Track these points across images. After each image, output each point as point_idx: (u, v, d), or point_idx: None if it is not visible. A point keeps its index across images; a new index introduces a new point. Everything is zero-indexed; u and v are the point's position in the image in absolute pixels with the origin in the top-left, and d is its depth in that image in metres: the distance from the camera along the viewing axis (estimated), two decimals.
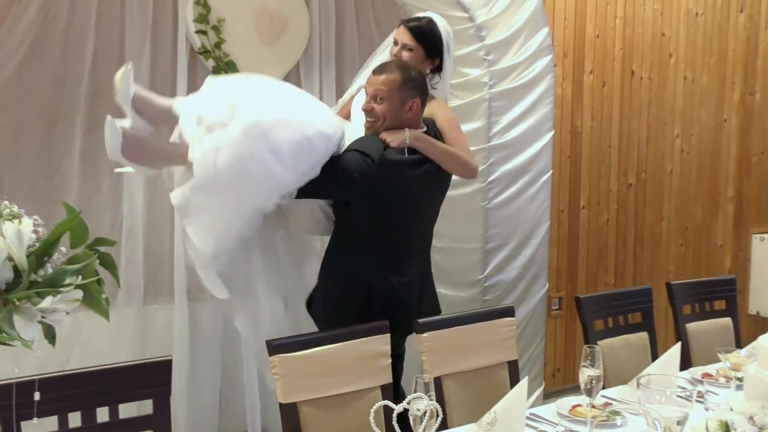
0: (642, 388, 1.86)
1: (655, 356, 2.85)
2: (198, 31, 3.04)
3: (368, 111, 2.56)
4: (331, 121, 2.46)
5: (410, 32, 2.68)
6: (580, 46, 4.28)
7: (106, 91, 2.94)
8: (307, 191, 2.42)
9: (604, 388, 2.13)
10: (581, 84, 4.32)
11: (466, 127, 3.56)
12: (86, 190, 2.96)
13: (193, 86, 3.11)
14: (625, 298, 2.94)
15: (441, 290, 3.71)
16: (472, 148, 3.51)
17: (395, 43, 2.71)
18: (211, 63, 3.08)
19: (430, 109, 2.65)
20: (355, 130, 2.61)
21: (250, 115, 2.28)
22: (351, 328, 2.32)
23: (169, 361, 2.01)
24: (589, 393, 1.99)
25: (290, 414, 2.13)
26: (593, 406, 2.08)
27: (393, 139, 2.51)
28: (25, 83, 2.82)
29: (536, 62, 3.56)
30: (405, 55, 2.66)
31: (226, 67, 3.08)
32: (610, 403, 2.26)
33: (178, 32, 3.03)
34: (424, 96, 2.59)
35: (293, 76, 3.33)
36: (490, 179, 3.55)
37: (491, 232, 3.59)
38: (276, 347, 2.14)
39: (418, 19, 2.75)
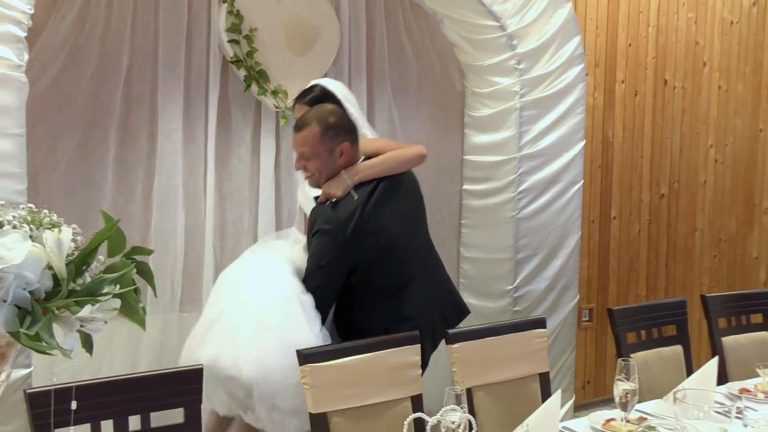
0: (678, 402, 1.82)
1: (690, 370, 2.80)
2: (230, 41, 3.06)
3: (303, 169, 2.54)
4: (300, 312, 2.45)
5: (307, 106, 2.65)
6: (612, 55, 4.24)
7: (140, 101, 2.99)
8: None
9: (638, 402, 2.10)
10: (613, 93, 4.28)
11: (496, 137, 3.57)
12: (119, 199, 2.99)
13: (225, 96, 3.14)
14: (658, 310, 2.89)
15: (470, 300, 3.70)
16: (501, 158, 3.53)
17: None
18: (242, 72, 3.10)
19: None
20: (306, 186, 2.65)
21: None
22: (381, 338, 2.31)
23: (200, 370, 2.02)
24: (624, 407, 1.96)
25: (320, 424, 2.13)
26: (628, 421, 2.05)
27: (336, 188, 2.49)
28: (62, 93, 2.86)
29: (568, 71, 3.54)
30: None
31: (258, 76, 3.10)
32: (645, 418, 2.22)
33: (210, 42, 3.06)
34: (353, 134, 2.55)
35: None
36: (520, 189, 3.52)
37: (521, 242, 3.56)
38: (307, 357, 2.14)
39: (311, 89, 2.75)
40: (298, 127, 2.52)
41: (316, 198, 2.57)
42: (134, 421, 1.93)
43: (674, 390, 2.31)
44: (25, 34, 2.39)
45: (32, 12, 2.40)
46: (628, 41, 4.29)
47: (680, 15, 4.43)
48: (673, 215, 4.60)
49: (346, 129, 2.54)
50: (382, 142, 2.78)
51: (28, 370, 2.42)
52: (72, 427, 1.30)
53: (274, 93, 3.15)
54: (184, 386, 1.99)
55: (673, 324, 2.89)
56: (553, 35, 3.47)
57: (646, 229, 4.51)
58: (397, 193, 2.60)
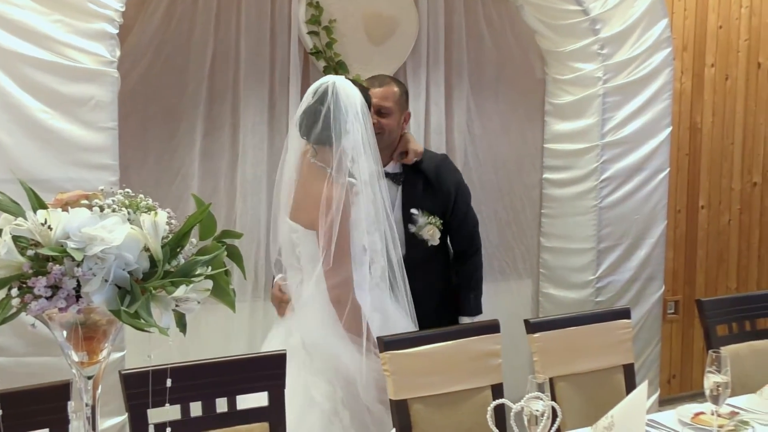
0: None
1: None
2: (310, 32, 3.10)
3: (373, 125, 2.48)
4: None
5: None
6: (701, 38, 4.08)
7: (224, 94, 3.07)
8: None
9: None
10: (702, 78, 4.12)
11: (577, 124, 3.50)
12: (205, 190, 3.08)
13: (306, 88, 3.17)
14: (751, 302, 2.78)
15: (550, 290, 3.66)
16: (583, 146, 3.46)
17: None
18: (322, 63, 3.14)
19: None
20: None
21: None
22: (462, 326, 2.32)
23: (283, 355, 2.06)
24: (715, 400, 1.89)
25: (401, 411, 2.14)
26: (719, 415, 1.98)
27: (419, 146, 2.73)
28: (151, 87, 2.96)
29: (654, 55, 3.43)
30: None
31: (337, 66, 3.13)
32: (737, 413, 2.14)
33: (291, 34, 3.10)
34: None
35: (401, 75, 3.34)
36: (603, 177, 3.44)
37: (604, 231, 3.48)
38: (387, 344, 2.16)
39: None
40: (380, 82, 2.62)
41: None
42: (221, 404, 1.99)
43: None
44: (117, 31, 2.49)
45: (123, 9, 2.50)
46: (719, 23, 4.12)
47: None
48: (766, 205, 4.41)
49: (408, 101, 2.67)
50: None
51: (122, 353, 2.53)
52: (167, 404, 1.35)
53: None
54: (268, 370, 2.04)
55: (767, 317, 2.77)
56: (638, 18, 3.37)
57: (737, 219, 4.34)
58: None
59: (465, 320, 2.76)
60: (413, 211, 2.67)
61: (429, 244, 2.69)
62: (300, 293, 2.41)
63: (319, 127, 2.30)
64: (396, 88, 2.65)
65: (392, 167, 2.71)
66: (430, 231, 2.67)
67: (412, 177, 2.71)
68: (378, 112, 2.59)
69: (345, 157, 2.29)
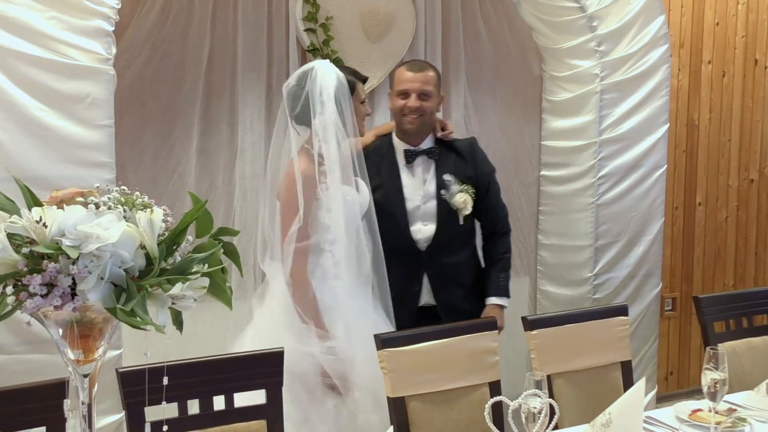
0: None
1: None
2: (307, 29, 3.10)
3: (416, 109, 2.64)
4: None
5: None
6: (698, 35, 4.08)
7: (221, 91, 3.07)
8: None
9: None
10: (699, 74, 4.12)
11: (575, 121, 3.49)
12: (202, 188, 3.07)
13: None
14: (749, 299, 2.78)
15: (549, 288, 3.66)
16: (581, 143, 3.46)
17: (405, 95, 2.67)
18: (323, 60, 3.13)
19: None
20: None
21: None
22: (460, 323, 2.32)
23: (281, 353, 2.06)
24: (713, 397, 1.90)
25: (398, 408, 2.14)
26: (716, 412, 1.98)
27: (452, 127, 2.84)
28: (147, 85, 2.95)
29: (651, 52, 3.43)
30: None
31: (334, 64, 3.12)
32: (735, 409, 2.14)
33: (289, 31, 3.10)
34: None
35: None
36: (600, 174, 3.44)
37: (601, 228, 3.48)
38: (385, 342, 2.15)
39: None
40: (418, 67, 2.70)
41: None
42: (218, 401, 1.98)
43: (766, 381, 2.23)
44: (113, 28, 2.48)
45: (119, 6, 2.49)
46: (716, 20, 4.11)
47: None
48: (763, 201, 4.41)
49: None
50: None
51: (119, 351, 2.53)
52: (164, 403, 1.34)
53: None
54: (266, 368, 2.04)
55: (764, 313, 2.78)
56: (635, 15, 3.37)
57: (734, 215, 4.34)
58: None
59: (492, 301, 2.74)
60: (446, 177, 2.70)
61: (461, 216, 2.69)
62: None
63: (299, 108, 2.40)
64: (433, 73, 2.71)
65: (426, 143, 2.75)
66: (463, 198, 2.68)
67: (446, 152, 2.76)
68: (420, 95, 2.66)
69: (315, 137, 2.38)
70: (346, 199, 2.41)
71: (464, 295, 2.74)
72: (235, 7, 3.03)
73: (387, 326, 2.44)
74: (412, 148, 2.73)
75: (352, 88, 2.46)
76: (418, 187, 2.72)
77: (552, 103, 3.59)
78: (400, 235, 2.67)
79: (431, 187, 2.71)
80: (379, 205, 2.59)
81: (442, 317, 2.64)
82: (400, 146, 2.75)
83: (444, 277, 2.70)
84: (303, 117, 2.41)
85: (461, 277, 2.75)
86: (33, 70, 2.34)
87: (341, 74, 2.44)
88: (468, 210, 2.69)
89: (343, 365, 2.32)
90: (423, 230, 2.70)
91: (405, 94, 2.67)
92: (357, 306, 2.42)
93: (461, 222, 2.70)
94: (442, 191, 2.69)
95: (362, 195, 2.50)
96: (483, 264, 2.85)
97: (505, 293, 2.77)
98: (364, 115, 2.55)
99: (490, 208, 2.79)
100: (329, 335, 2.34)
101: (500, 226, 2.85)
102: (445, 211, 2.69)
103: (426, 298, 2.71)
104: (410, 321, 2.59)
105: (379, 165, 2.71)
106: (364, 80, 2.61)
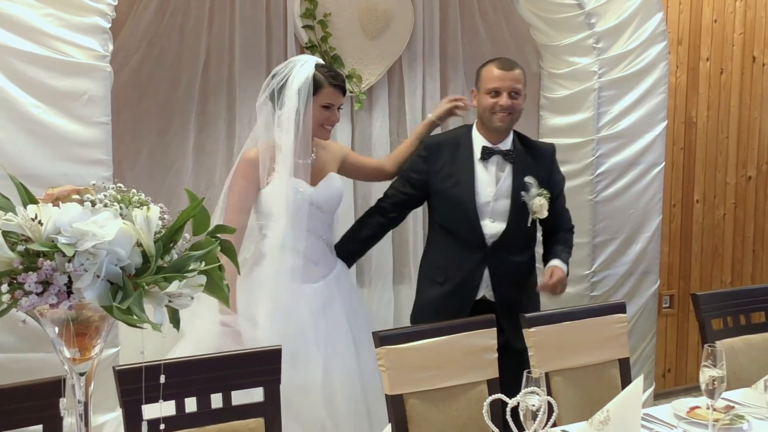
0: None
1: None
2: (305, 26, 3.09)
3: (508, 107, 2.66)
4: None
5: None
6: (696, 32, 4.08)
7: (219, 89, 3.06)
8: None
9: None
10: (697, 72, 4.12)
11: (573, 118, 3.49)
12: (199, 185, 3.06)
13: None
14: (746, 296, 2.78)
15: None
16: (579, 140, 3.46)
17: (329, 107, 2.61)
18: (317, 57, 3.12)
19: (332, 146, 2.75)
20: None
21: None
22: (458, 321, 2.31)
23: (278, 350, 2.06)
24: (711, 394, 1.89)
25: (397, 406, 2.14)
26: (714, 409, 1.97)
27: None
28: (144, 82, 2.94)
29: (649, 49, 3.42)
30: None
31: (332, 61, 3.12)
32: (732, 406, 2.14)
33: (287, 28, 3.09)
34: None
35: (396, 69, 3.34)
36: (598, 171, 3.44)
37: (599, 226, 3.48)
38: (383, 339, 2.15)
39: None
40: (508, 65, 2.71)
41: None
42: (216, 399, 1.98)
43: (764, 378, 2.23)
44: (109, 25, 2.47)
45: (116, 3, 2.48)
46: (714, 17, 4.11)
47: None
48: (761, 199, 4.40)
49: None
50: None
51: (116, 349, 2.52)
52: (161, 401, 1.34)
53: (349, 77, 3.17)
54: (263, 366, 2.03)
55: (762, 311, 2.78)
56: (633, 12, 3.36)
57: (732, 213, 4.34)
58: None
59: (554, 263, 2.76)
60: (527, 179, 2.71)
61: (531, 218, 2.71)
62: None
63: (275, 98, 2.52)
64: (522, 71, 2.74)
65: (504, 144, 2.75)
66: (540, 202, 2.69)
67: (523, 153, 2.77)
68: (511, 94, 2.67)
69: (278, 129, 2.50)
70: (298, 191, 2.50)
71: (521, 292, 2.79)
72: (233, 3, 3.02)
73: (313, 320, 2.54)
74: (490, 145, 2.73)
75: (317, 89, 2.50)
76: (490, 183, 2.72)
77: (550, 100, 3.58)
78: (469, 228, 2.71)
79: (505, 186, 2.72)
80: (449, 195, 2.68)
81: (499, 312, 2.62)
82: (479, 140, 2.75)
83: (504, 274, 2.74)
84: (270, 105, 2.54)
85: (520, 277, 2.79)
86: (29, 68, 2.33)
87: (312, 74, 2.49)
88: (543, 214, 2.71)
89: (240, 338, 2.39)
90: (490, 227, 2.72)
91: (496, 92, 2.67)
92: (277, 292, 2.50)
93: (528, 224, 2.73)
94: (522, 192, 2.70)
95: (320, 191, 2.56)
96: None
97: (567, 263, 2.81)
98: (324, 119, 2.54)
99: (557, 214, 2.82)
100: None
101: (566, 225, 2.90)
102: (517, 212, 2.72)
103: (484, 291, 2.74)
104: (465, 313, 2.64)
105: (454, 154, 2.74)
106: (343, 89, 2.58)
